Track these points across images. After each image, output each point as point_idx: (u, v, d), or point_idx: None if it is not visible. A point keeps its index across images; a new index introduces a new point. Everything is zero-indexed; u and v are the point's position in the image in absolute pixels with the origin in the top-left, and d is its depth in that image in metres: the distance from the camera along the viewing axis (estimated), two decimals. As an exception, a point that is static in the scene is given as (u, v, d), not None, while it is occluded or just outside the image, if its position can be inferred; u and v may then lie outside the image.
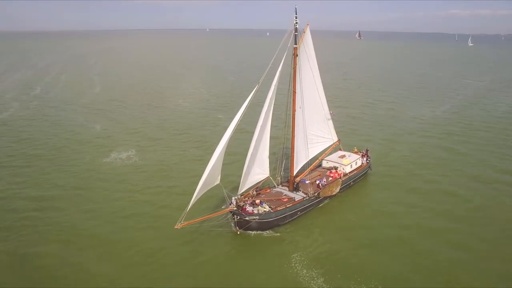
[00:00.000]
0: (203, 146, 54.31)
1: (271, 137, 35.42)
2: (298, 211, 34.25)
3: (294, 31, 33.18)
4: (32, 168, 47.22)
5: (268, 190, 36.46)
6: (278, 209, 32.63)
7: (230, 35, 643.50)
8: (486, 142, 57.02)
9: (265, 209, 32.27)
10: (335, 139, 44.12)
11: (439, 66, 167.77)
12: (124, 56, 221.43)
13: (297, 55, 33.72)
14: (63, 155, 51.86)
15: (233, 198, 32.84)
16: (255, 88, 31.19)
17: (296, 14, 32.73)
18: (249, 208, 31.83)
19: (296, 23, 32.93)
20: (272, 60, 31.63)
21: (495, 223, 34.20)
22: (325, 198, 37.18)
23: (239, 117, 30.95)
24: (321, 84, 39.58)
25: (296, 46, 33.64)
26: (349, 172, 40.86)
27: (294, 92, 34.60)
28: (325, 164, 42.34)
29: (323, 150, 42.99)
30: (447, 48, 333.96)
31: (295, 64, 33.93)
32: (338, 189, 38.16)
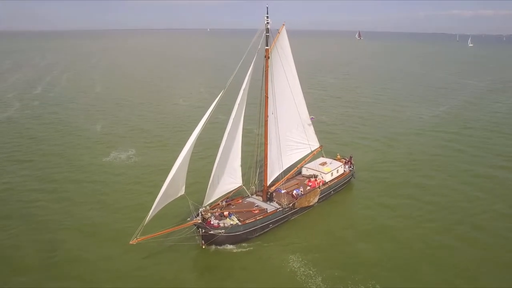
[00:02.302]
0: (203, 146, 52.84)
1: (245, 144, 33.49)
2: (270, 223, 32.13)
3: (265, 32, 31.06)
4: (31, 165, 47.87)
5: (240, 201, 34.30)
6: (247, 221, 30.52)
7: (231, 35, 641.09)
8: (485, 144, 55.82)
9: (232, 222, 30.18)
10: (317, 145, 41.97)
11: (436, 66, 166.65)
12: (124, 56, 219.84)
13: (268, 58, 31.60)
14: (62, 154, 51.53)
15: (200, 209, 30.83)
16: (220, 94, 29.19)
17: (267, 14, 30.60)
18: (214, 221, 29.70)
19: (268, 23, 30.78)
20: (240, 63, 29.55)
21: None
22: (302, 208, 35.05)
23: (203, 123, 29.08)
24: (299, 88, 37.42)
25: (267, 47, 31.53)
26: (329, 181, 38.71)
27: (266, 97, 32.47)
28: (304, 171, 40.21)
29: (303, 157, 40.90)
30: (447, 48, 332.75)
31: (266, 67, 31.81)
32: (316, 199, 36.05)
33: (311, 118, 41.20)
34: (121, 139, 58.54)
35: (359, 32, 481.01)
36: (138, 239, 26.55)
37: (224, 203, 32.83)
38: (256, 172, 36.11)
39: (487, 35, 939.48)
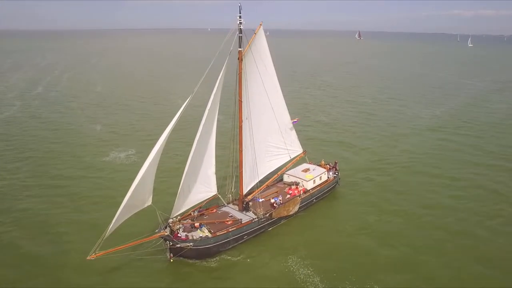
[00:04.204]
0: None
1: (221, 150, 31.77)
2: (244, 234, 30.38)
3: (238, 33, 29.29)
4: (32, 163, 47.89)
5: (214, 210, 32.54)
6: (218, 234, 28.76)
7: (231, 34, 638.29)
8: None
9: (202, 234, 28.45)
10: (300, 150, 40.12)
11: (436, 66, 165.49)
12: (124, 55, 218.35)
13: (242, 60, 29.85)
14: (63, 153, 51.31)
15: (169, 220, 29.15)
16: (189, 98, 27.58)
17: (240, 13, 28.79)
18: (182, 234, 27.96)
19: (240, 23, 28.98)
20: (210, 66, 27.88)
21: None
22: (281, 218, 33.28)
23: (171, 127, 27.64)
24: (279, 92, 35.54)
25: (241, 49, 29.77)
26: (311, 188, 36.89)
27: (240, 101, 30.72)
28: (286, 178, 38.40)
29: (285, 163, 39.04)
30: (447, 48, 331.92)
31: (240, 70, 30.06)
32: (296, 209, 34.19)
33: (294, 122, 39.37)
34: (121, 138, 58.17)
35: (359, 32, 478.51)
36: (97, 254, 24.76)
37: (196, 213, 31.10)
38: (233, 180, 34.37)
39: (488, 35, 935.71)
